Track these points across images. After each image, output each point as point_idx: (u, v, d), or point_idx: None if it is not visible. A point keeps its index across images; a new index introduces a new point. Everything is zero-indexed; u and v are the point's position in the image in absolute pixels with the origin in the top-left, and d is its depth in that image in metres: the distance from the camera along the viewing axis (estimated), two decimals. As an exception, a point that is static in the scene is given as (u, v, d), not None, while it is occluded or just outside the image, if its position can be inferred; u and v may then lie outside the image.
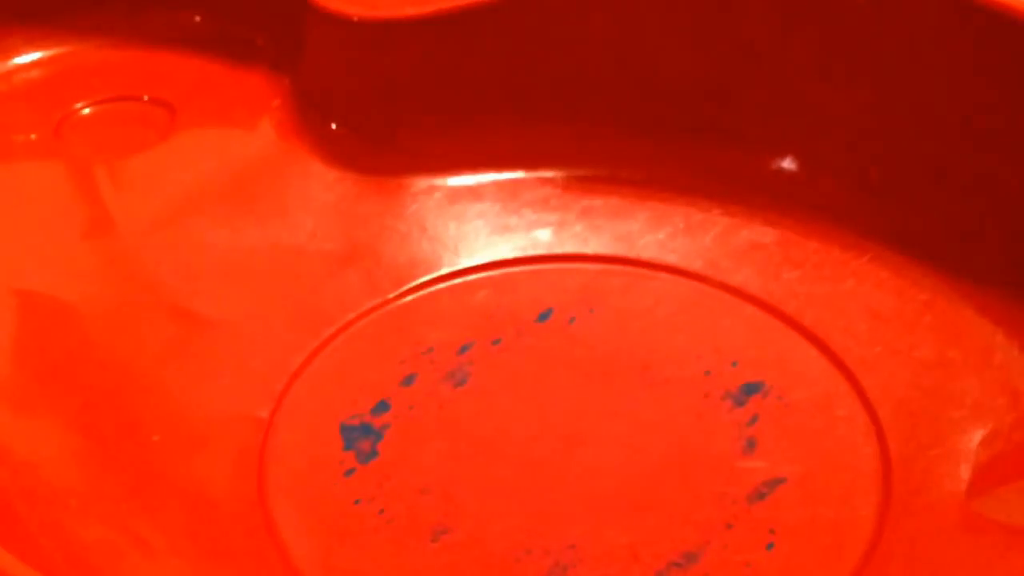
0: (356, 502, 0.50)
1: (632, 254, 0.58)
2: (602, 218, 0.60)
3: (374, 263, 0.58)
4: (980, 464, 0.49)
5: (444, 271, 0.58)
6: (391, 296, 0.57)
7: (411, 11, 0.59)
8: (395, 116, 0.62)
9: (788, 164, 0.59)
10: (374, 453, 0.51)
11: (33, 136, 0.63)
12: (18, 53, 0.66)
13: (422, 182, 0.61)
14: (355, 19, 0.59)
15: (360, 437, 0.52)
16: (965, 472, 0.49)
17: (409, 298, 0.57)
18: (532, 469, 0.51)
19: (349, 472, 0.51)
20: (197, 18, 0.67)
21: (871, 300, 0.55)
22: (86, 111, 0.64)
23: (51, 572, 0.44)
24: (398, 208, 0.60)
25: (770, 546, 0.47)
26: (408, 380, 0.54)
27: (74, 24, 0.66)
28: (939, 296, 0.55)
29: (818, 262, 0.57)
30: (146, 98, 0.65)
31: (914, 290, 0.55)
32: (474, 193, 0.61)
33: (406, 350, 0.55)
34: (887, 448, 0.50)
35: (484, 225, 0.60)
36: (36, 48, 0.66)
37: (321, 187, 0.61)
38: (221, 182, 0.61)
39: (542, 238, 0.59)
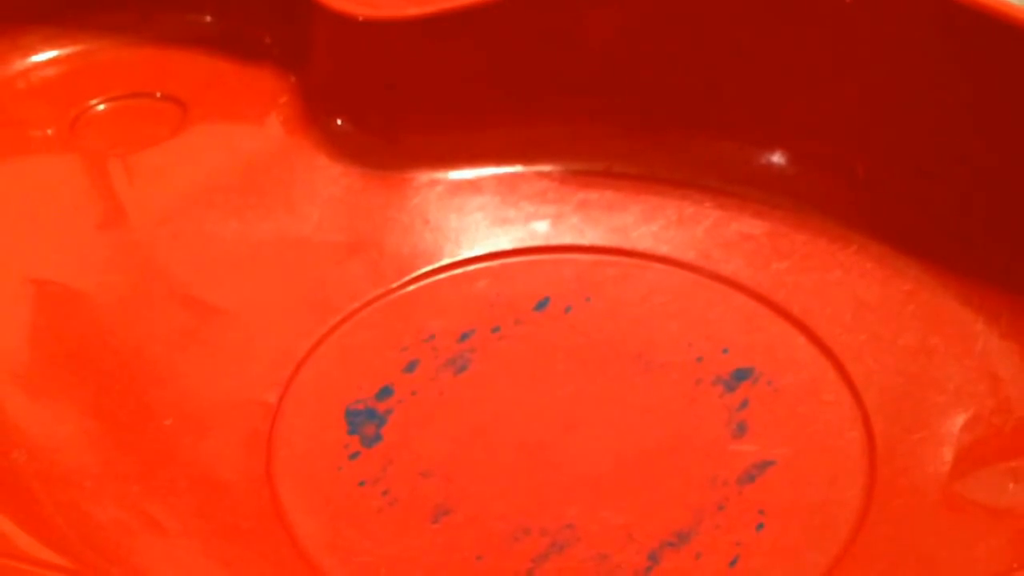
0: (360, 484, 0.50)
1: (627, 245, 0.58)
2: (598, 211, 0.59)
3: (378, 254, 0.58)
4: (962, 447, 0.49)
5: (445, 261, 0.58)
6: (394, 285, 0.57)
7: (414, 11, 0.58)
8: (398, 112, 0.62)
9: (778, 159, 0.59)
10: (378, 437, 0.51)
11: (50, 131, 0.63)
12: (36, 51, 0.66)
13: (424, 176, 0.61)
14: (360, 18, 0.59)
15: (364, 421, 0.52)
16: (948, 455, 0.49)
17: (412, 287, 0.57)
18: (530, 452, 0.50)
19: (354, 455, 0.50)
20: (208, 18, 0.67)
21: (857, 289, 0.55)
22: (101, 107, 0.64)
23: (66, 551, 0.44)
24: (401, 201, 0.60)
25: (760, 526, 0.47)
26: (411, 367, 0.54)
27: (90, 24, 0.66)
28: (922, 286, 0.55)
29: (806, 253, 0.57)
30: (158, 95, 0.64)
31: (898, 280, 0.55)
32: (474, 187, 0.60)
33: (409, 337, 0.55)
34: (872, 432, 0.50)
35: (484, 217, 0.59)
36: (53, 47, 0.66)
37: (327, 181, 0.60)
38: (230, 175, 0.60)
39: (540, 230, 0.59)
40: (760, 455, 0.50)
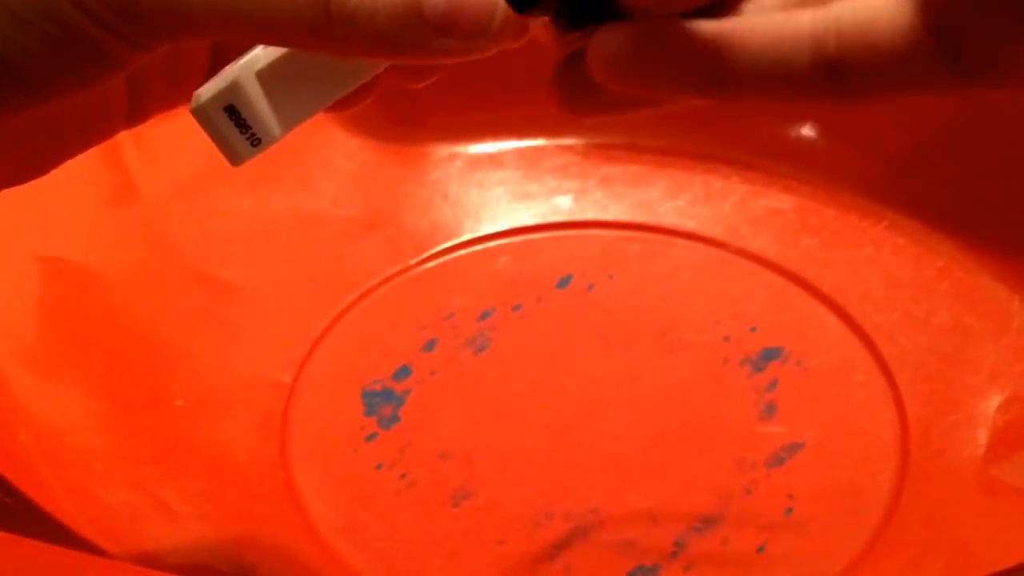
0: (378, 467, 0.49)
1: (652, 221, 0.57)
2: (622, 185, 0.59)
3: (396, 229, 0.57)
4: (997, 429, 0.48)
5: (465, 237, 0.57)
6: (413, 262, 0.56)
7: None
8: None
9: (807, 132, 0.58)
10: (395, 418, 0.50)
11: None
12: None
13: (443, 150, 0.60)
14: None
15: (382, 402, 0.51)
16: (983, 437, 0.48)
17: (430, 264, 0.56)
18: (552, 434, 0.49)
19: (371, 437, 0.49)
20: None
21: (889, 267, 0.54)
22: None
23: (75, 535, 0.43)
24: (419, 175, 0.59)
25: (789, 511, 0.46)
26: (429, 346, 0.53)
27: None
28: (956, 263, 0.54)
29: (836, 229, 0.56)
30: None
31: (931, 257, 0.54)
32: (495, 160, 0.60)
33: (428, 316, 0.54)
34: (905, 413, 0.49)
35: (505, 192, 0.59)
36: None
37: (342, 155, 0.60)
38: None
39: (562, 205, 0.58)
40: (789, 437, 0.49)
